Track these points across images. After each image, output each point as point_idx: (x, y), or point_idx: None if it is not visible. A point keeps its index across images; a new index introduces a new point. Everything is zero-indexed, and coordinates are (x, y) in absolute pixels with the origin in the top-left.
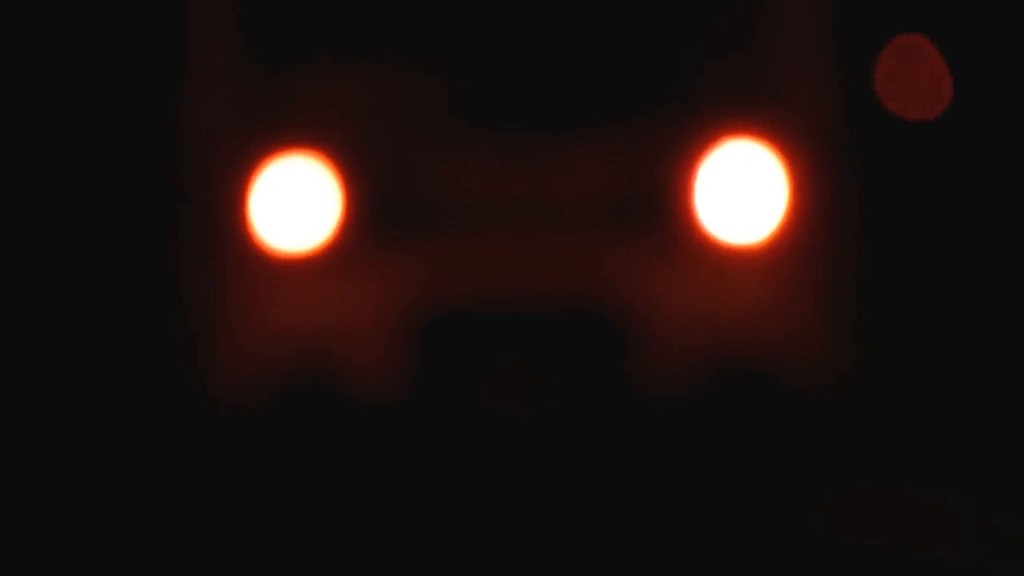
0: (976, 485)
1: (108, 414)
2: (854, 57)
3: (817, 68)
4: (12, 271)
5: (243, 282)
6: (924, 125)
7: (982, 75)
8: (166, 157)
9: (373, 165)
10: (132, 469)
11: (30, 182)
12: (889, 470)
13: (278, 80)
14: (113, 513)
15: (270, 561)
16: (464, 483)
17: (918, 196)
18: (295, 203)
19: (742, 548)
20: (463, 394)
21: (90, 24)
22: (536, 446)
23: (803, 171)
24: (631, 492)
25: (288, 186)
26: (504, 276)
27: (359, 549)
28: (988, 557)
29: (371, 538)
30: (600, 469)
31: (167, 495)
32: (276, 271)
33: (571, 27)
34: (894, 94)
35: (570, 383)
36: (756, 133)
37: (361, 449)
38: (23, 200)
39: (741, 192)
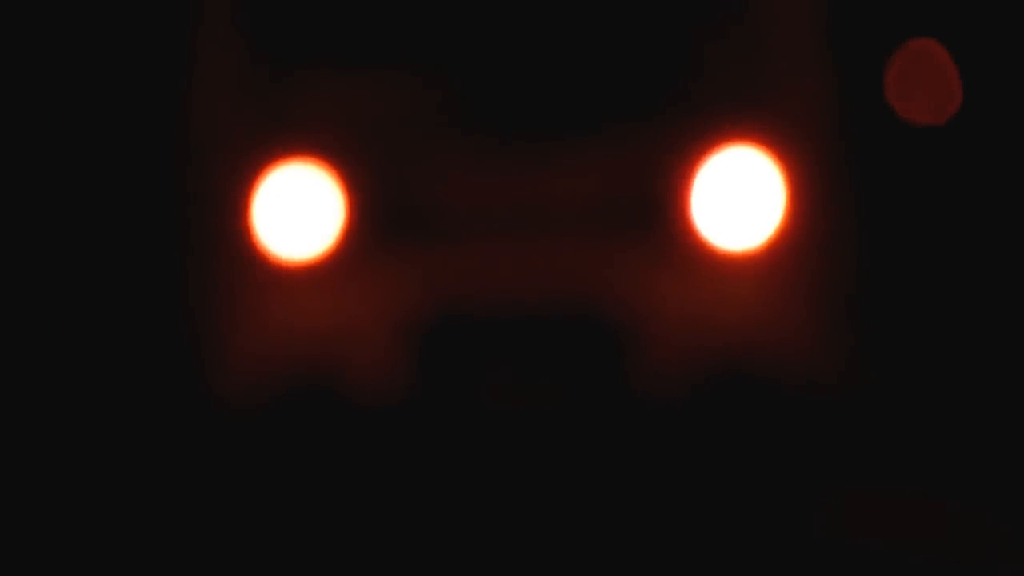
0: (973, 487)
1: (113, 416)
2: (853, 62)
3: (814, 74)
4: (19, 275)
5: (246, 289)
6: (921, 130)
7: (982, 81)
8: (171, 164)
9: (375, 172)
10: (137, 469)
11: (37, 188)
12: (886, 472)
13: (281, 88)
14: (117, 511)
15: (271, 561)
16: (466, 485)
17: (915, 201)
18: (298, 210)
19: (741, 550)
20: (465, 397)
21: (96, 32)
22: (536, 448)
23: (800, 177)
24: (629, 493)
25: (291, 193)
26: (505, 281)
27: (361, 550)
28: (985, 558)
29: (373, 540)
30: (599, 470)
31: (171, 494)
32: (279, 278)
33: (570, 34)
34: (904, 98)
35: (570, 386)
36: (753, 139)
37: (364, 452)
38: (30, 205)
39: (738, 198)
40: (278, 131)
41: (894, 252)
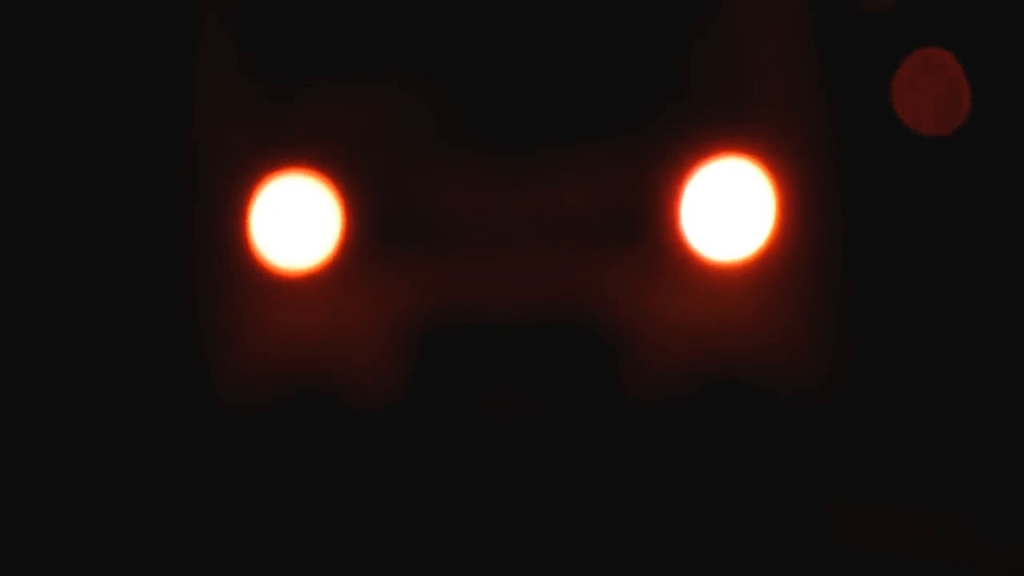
0: (963, 494)
1: (116, 419)
2: (843, 73)
3: (804, 85)
4: (24, 282)
5: (245, 298)
6: (909, 141)
7: (980, 91)
8: (172, 175)
9: (371, 183)
10: (139, 471)
11: (41, 197)
12: (875, 479)
13: (279, 100)
14: (121, 511)
15: (271, 562)
16: (462, 490)
17: (904, 212)
18: (296, 220)
19: (734, 555)
20: (460, 404)
21: (99, 44)
22: (529, 455)
23: (790, 188)
24: (621, 499)
25: (289, 204)
26: (498, 290)
27: (359, 553)
28: (976, 563)
29: (371, 544)
30: (591, 476)
31: (173, 496)
32: (277, 287)
33: (562, 48)
34: (911, 107)
35: (562, 393)
36: (743, 151)
37: (361, 458)
38: (35, 214)
39: (728, 209)
40: (276, 142)
41: (883, 262)
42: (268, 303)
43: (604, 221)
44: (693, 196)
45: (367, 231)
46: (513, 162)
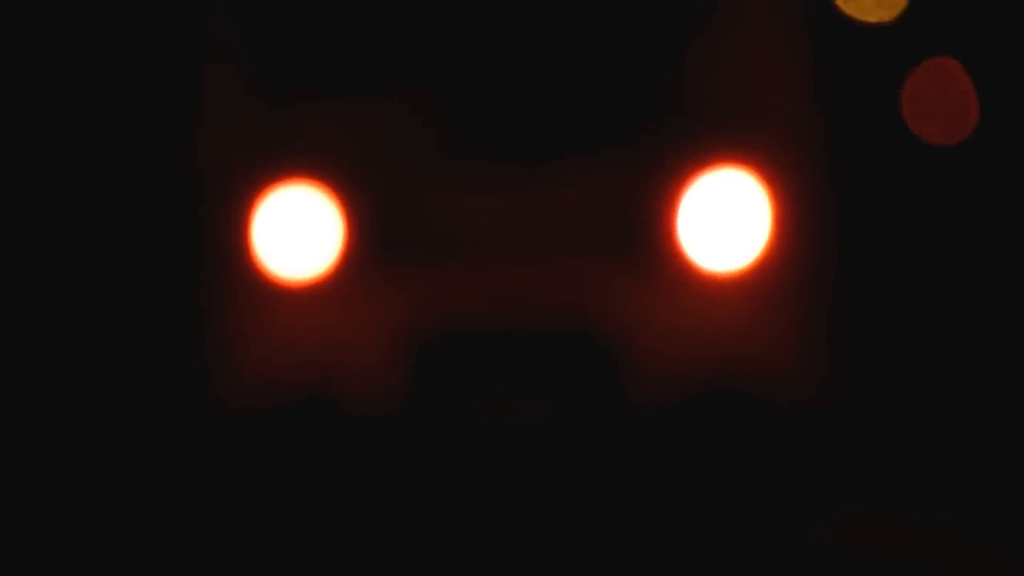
0: (958, 500)
1: (122, 425)
2: (839, 85)
3: (800, 97)
4: (32, 292)
5: (247, 308)
6: (905, 152)
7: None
8: (176, 187)
9: (372, 194)
10: (144, 477)
11: (45, 207)
12: (869, 486)
13: (281, 111)
14: (125, 513)
15: (270, 565)
16: (462, 496)
17: (900, 222)
18: (298, 231)
19: (730, 561)
20: (460, 411)
21: (104, 58)
22: (529, 461)
23: (786, 199)
24: (619, 504)
25: (291, 214)
26: (498, 299)
27: (360, 560)
28: (969, 569)
29: (371, 551)
30: (590, 482)
31: (176, 499)
32: (280, 296)
33: (560, 60)
34: (920, 117)
35: (562, 400)
36: (740, 162)
37: (362, 465)
38: (39, 224)
39: (725, 219)
40: (279, 154)
41: (878, 272)
42: (271, 313)
43: (602, 231)
44: (690, 206)
45: (368, 241)
46: (512, 173)
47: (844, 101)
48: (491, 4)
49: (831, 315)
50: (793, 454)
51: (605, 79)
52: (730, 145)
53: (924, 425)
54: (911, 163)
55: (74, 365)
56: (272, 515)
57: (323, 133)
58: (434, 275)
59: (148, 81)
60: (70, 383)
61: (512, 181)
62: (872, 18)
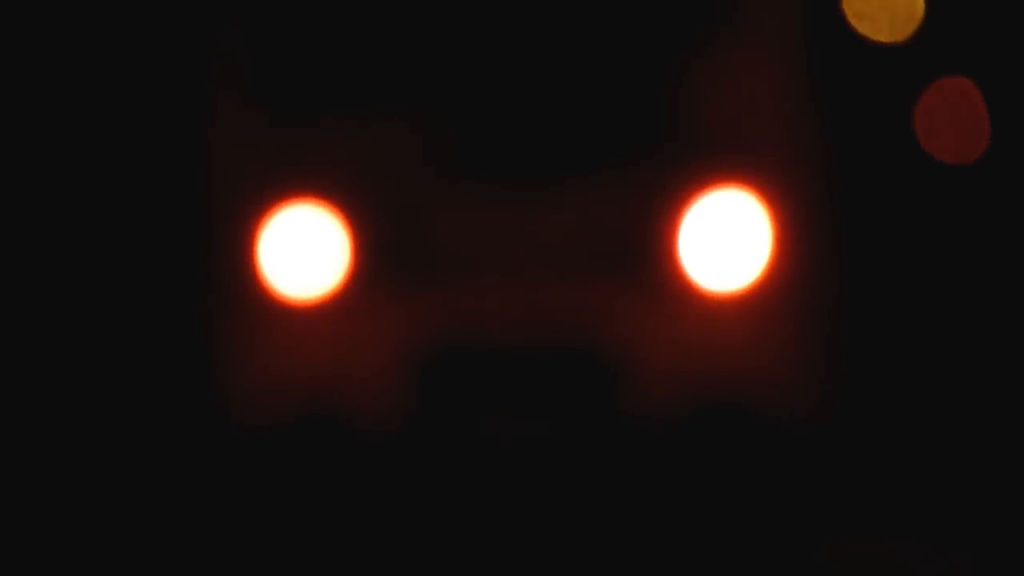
0: (952, 518)
1: (129, 443)
2: (838, 103)
3: (800, 118)
4: (40, 309)
5: (254, 327)
6: (905, 172)
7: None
8: (183, 206)
9: (377, 214)
10: (154, 492)
11: (53, 227)
12: (870, 505)
13: (288, 131)
14: (137, 525)
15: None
16: (467, 511)
17: (900, 242)
18: (304, 250)
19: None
20: (464, 428)
21: (113, 77)
22: (532, 477)
23: (786, 220)
24: (620, 520)
25: (297, 234)
26: (502, 318)
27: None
28: None
29: (377, 566)
30: (592, 498)
31: (183, 511)
32: (286, 315)
33: (562, 83)
34: (932, 136)
35: (564, 418)
36: (740, 183)
37: (367, 483)
38: (47, 242)
39: (726, 240)
40: (285, 174)
41: (879, 291)
42: (277, 331)
43: (605, 251)
44: (691, 227)
45: (373, 260)
46: (516, 194)
47: (855, 120)
48: (496, 28)
49: (831, 334)
50: (794, 472)
51: (607, 101)
52: (731, 166)
53: (924, 443)
54: (916, 182)
55: (84, 381)
56: (279, 529)
57: (329, 153)
58: (438, 294)
59: (157, 101)
60: (80, 398)
61: (516, 202)
62: (885, 37)
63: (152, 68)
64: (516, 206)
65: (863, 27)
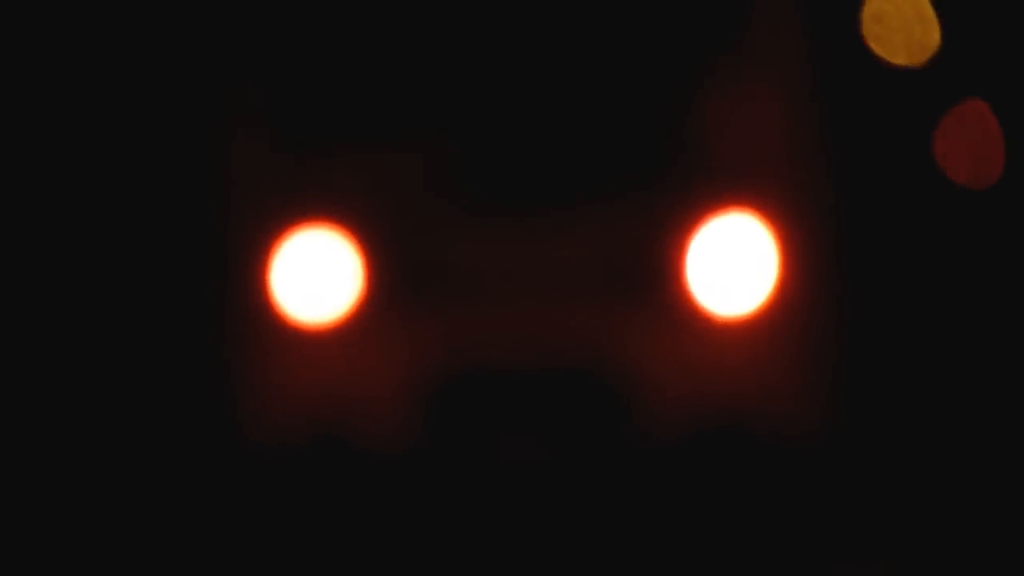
0: (953, 541)
1: (143, 467)
2: (846, 128)
3: (808, 142)
4: (57, 333)
5: (266, 351)
6: (912, 198)
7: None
8: (197, 231)
9: (390, 238)
10: (167, 517)
11: (68, 252)
12: (873, 534)
13: (300, 156)
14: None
15: None
16: (477, 532)
17: (906, 267)
18: (316, 275)
19: None
20: (475, 451)
21: (128, 102)
22: (541, 499)
23: (793, 244)
24: (628, 542)
25: (310, 258)
26: (512, 342)
27: None
28: None
29: None
30: (600, 519)
31: (196, 537)
32: (298, 339)
33: (572, 108)
34: (951, 160)
35: (573, 440)
36: (748, 207)
37: (378, 504)
38: (62, 267)
39: (733, 264)
40: (297, 199)
41: (886, 315)
42: (289, 355)
43: (614, 275)
44: (699, 251)
45: (386, 285)
46: (526, 219)
47: (869, 143)
48: (507, 56)
49: (838, 358)
50: (800, 494)
51: (616, 127)
52: (739, 190)
53: (929, 466)
54: (926, 207)
55: (99, 405)
56: (291, 551)
57: (342, 178)
58: (450, 318)
59: (172, 127)
60: (96, 423)
61: (526, 227)
62: (903, 61)
63: (168, 94)
64: (526, 231)
65: (882, 50)
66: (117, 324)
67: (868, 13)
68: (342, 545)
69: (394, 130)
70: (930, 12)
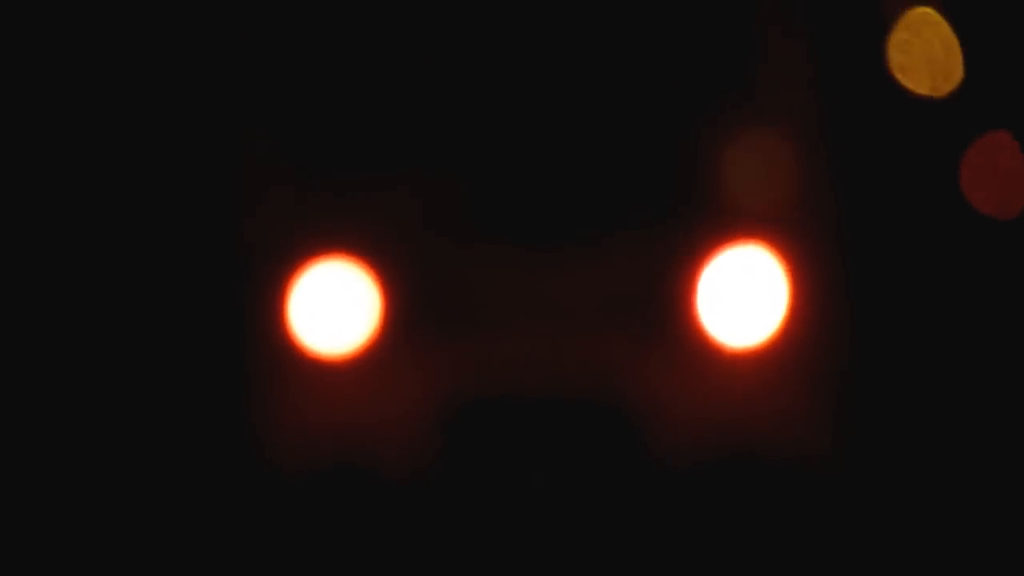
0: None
1: (164, 498)
2: (854, 158)
3: (818, 173)
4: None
5: (284, 383)
6: (920, 228)
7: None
8: (214, 263)
9: (407, 270)
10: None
11: (84, 281)
12: (882, 566)
13: (317, 186)
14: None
15: None
16: (493, 560)
17: (916, 297)
18: (334, 306)
19: None
20: (490, 480)
21: (144, 131)
22: (556, 527)
23: (803, 276)
24: (641, 573)
25: (327, 289)
26: (527, 373)
27: None
28: None
29: None
30: (611, 549)
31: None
32: (316, 371)
33: (584, 142)
34: (977, 189)
35: (586, 470)
36: (758, 239)
37: (395, 533)
38: (79, 295)
39: (743, 296)
40: (314, 231)
41: (896, 347)
42: (307, 387)
43: (626, 307)
44: (709, 283)
45: (403, 316)
46: (540, 251)
47: (892, 172)
48: (523, 92)
49: (849, 389)
50: (810, 526)
51: (627, 160)
52: (749, 222)
53: (939, 497)
54: (939, 238)
55: (116, 438)
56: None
57: (359, 210)
58: (466, 349)
59: (188, 158)
60: (112, 454)
61: (541, 260)
62: (928, 90)
63: (185, 127)
64: (540, 263)
65: (906, 81)
66: (137, 355)
67: (893, 43)
68: (360, 574)
69: (411, 163)
70: (955, 42)
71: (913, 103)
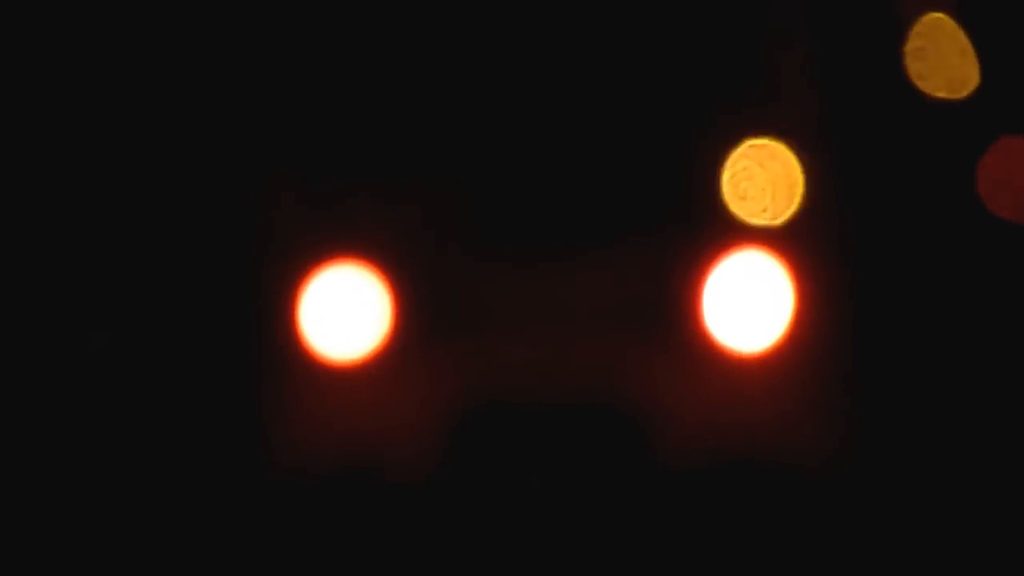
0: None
1: (173, 505)
2: (860, 164)
3: (823, 178)
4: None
5: (295, 389)
6: (923, 234)
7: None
8: (225, 268)
9: (417, 276)
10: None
11: (100, 290)
12: (889, 568)
13: (328, 192)
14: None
15: None
16: (500, 563)
17: (920, 303)
18: (345, 311)
19: None
20: (499, 484)
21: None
22: (562, 531)
23: (809, 281)
24: (649, 573)
25: (338, 294)
26: (536, 378)
27: None
28: None
29: None
30: (618, 552)
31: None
32: (327, 376)
33: (591, 147)
34: (994, 194)
35: (593, 473)
36: (764, 244)
37: (405, 538)
38: (95, 305)
39: (749, 301)
40: (325, 236)
41: (901, 352)
42: (318, 392)
43: (633, 312)
44: (715, 288)
45: (414, 321)
46: (548, 257)
47: (916, 178)
48: (530, 100)
49: (854, 394)
50: (815, 531)
51: (634, 165)
52: (754, 227)
53: (944, 500)
54: (929, 245)
55: (126, 442)
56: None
57: (370, 216)
58: (476, 354)
59: (201, 163)
60: (122, 460)
61: (548, 265)
62: (945, 94)
63: (198, 132)
64: (549, 269)
65: (923, 86)
66: (148, 359)
67: (909, 50)
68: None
69: (421, 169)
70: (970, 48)
71: (930, 109)
